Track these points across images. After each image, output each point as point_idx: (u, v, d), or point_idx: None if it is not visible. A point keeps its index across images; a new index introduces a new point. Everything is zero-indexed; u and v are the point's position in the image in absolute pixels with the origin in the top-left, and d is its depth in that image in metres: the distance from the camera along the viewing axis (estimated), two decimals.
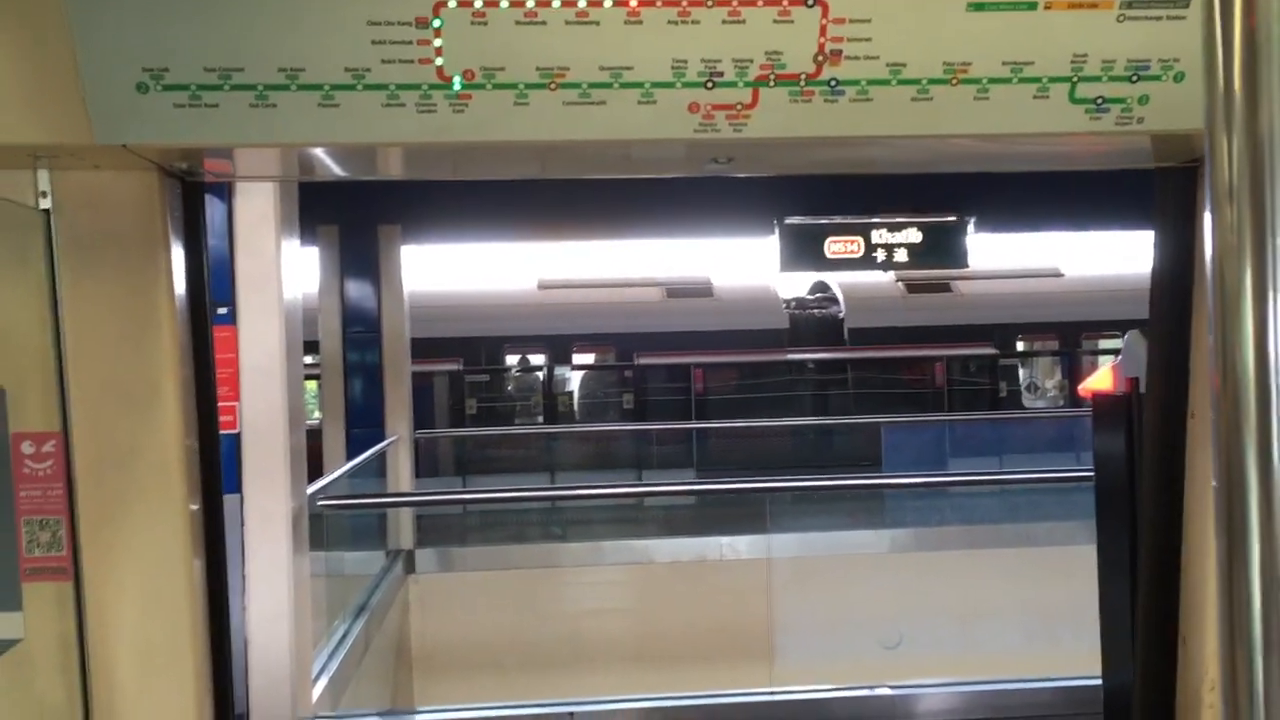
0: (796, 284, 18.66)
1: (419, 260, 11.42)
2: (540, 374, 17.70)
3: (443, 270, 16.31)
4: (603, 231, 10.69)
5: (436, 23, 1.45)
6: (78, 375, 1.72)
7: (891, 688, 5.21)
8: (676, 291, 17.78)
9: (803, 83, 1.52)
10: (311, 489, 5.46)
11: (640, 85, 1.51)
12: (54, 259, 1.69)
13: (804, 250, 9.80)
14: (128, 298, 1.73)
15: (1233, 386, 0.76)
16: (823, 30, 1.50)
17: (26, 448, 1.70)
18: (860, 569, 8.93)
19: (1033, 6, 1.51)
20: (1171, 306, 1.90)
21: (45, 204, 1.68)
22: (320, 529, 6.16)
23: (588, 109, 1.51)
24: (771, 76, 1.52)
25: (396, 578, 8.84)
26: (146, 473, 1.77)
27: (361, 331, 9.42)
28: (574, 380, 17.83)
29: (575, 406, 17.61)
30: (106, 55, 1.43)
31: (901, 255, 10.07)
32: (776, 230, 9.54)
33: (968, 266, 9.92)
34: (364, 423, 9.24)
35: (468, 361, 17.06)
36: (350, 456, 8.65)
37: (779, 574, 8.06)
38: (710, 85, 1.51)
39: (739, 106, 1.53)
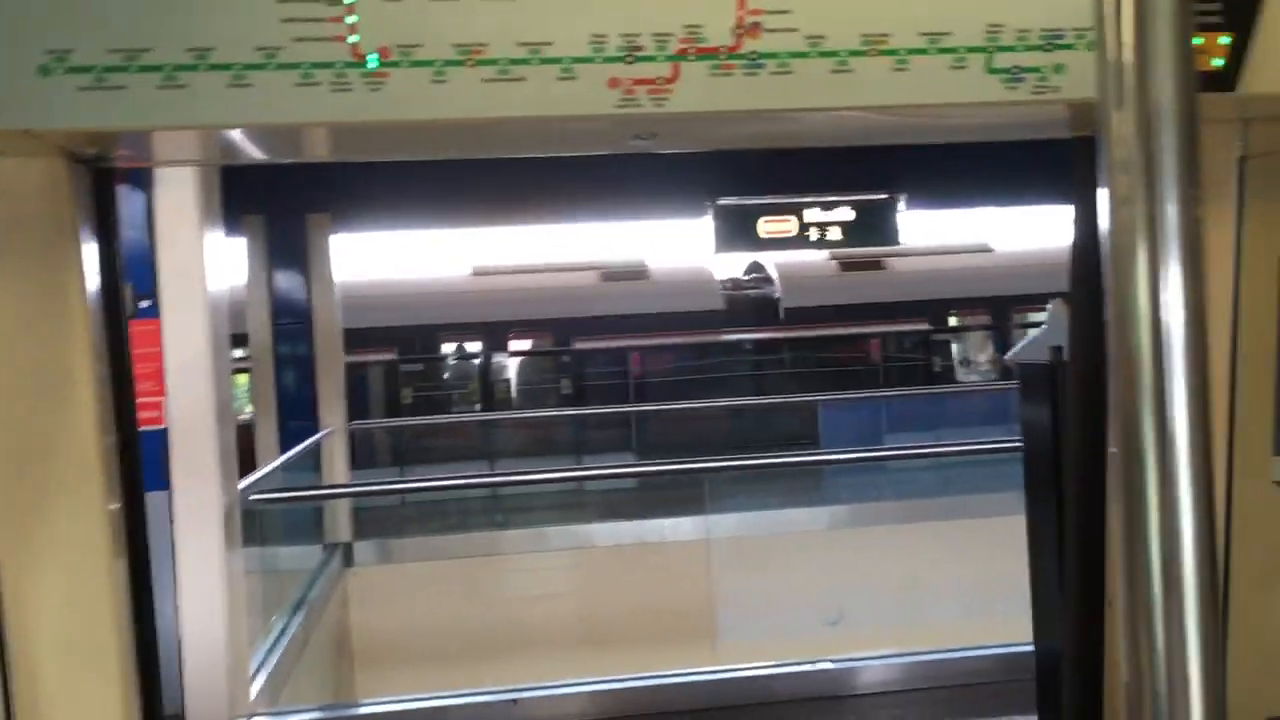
0: (733, 266, 18.74)
1: (353, 249, 11.29)
2: (477, 361, 17.61)
3: (377, 259, 16.14)
4: (536, 215, 10.63)
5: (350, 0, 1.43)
6: None
7: (832, 661, 5.27)
8: (613, 275, 17.78)
9: (723, 56, 1.52)
10: (244, 484, 5.39)
11: (559, 61, 1.49)
12: None
13: (737, 231, 9.83)
14: (38, 289, 1.68)
15: (1128, 354, 0.78)
16: (741, 3, 1.50)
17: None
18: (800, 547, 9.02)
19: None
20: (1088, 275, 1.93)
21: None
22: (255, 524, 6.07)
23: (507, 86, 1.49)
24: (691, 50, 1.51)
25: (335, 571, 8.75)
26: (64, 468, 1.72)
27: (292, 323, 9.27)
28: (511, 367, 17.77)
29: (513, 393, 17.56)
30: (6, 37, 1.38)
31: (835, 234, 10.14)
32: (710, 211, 9.56)
33: (900, 244, 10.02)
34: (297, 415, 9.11)
35: (403, 351, 16.92)
36: (284, 450, 8.53)
37: (719, 554, 8.12)
38: (630, 60, 1.50)
39: (659, 80, 1.52)
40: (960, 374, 17.54)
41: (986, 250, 18.03)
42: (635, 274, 17.83)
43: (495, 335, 17.36)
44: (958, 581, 7.93)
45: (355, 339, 11.22)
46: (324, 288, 9.42)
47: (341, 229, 9.68)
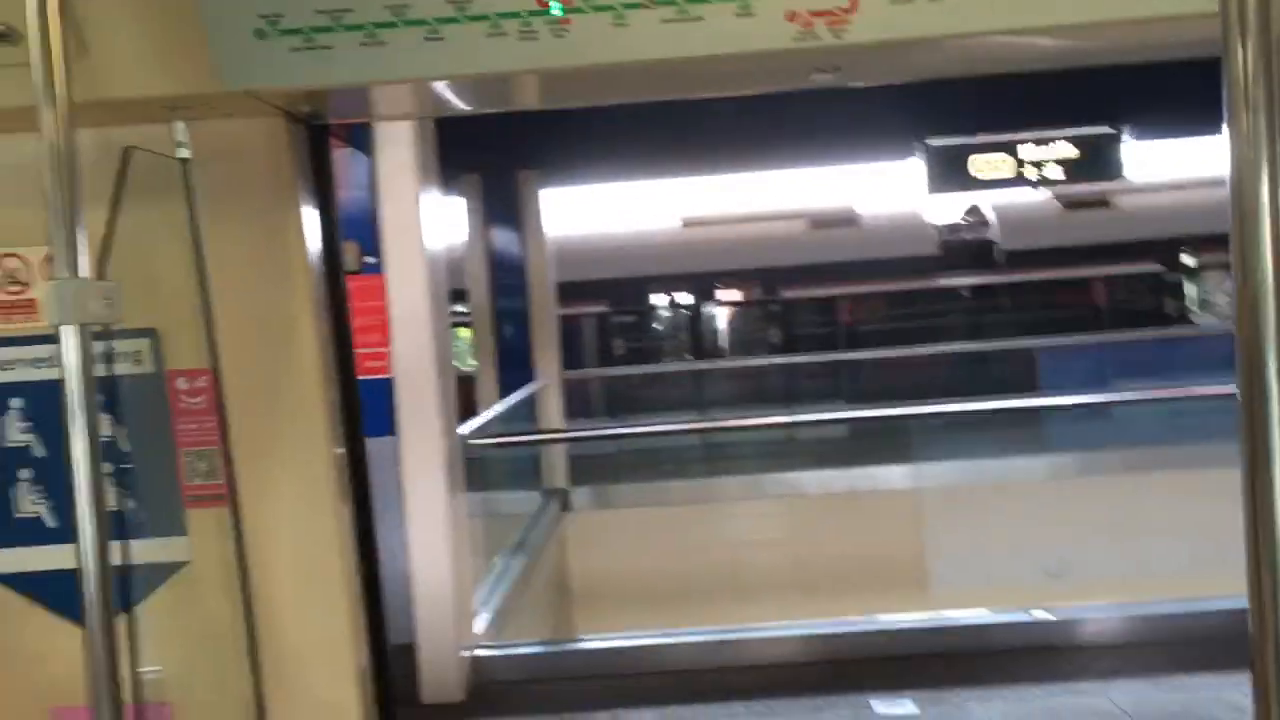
0: (949, 209, 18.13)
1: (566, 205, 11.57)
2: (687, 312, 17.77)
3: (587, 213, 16.44)
4: (742, 163, 10.61)
5: None
6: (223, 315, 1.83)
7: (1050, 612, 5.12)
8: (822, 222, 17.53)
9: None
10: (464, 430, 5.65)
11: None
12: (193, 206, 1.80)
13: (949, 171, 9.54)
14: (263, 240, 1.83)
15: (1251, 297, 0.74)
16: None
17: (181, 384, 1.83)
18: (1018, 496, 8.74)
19: None
20: None
21: (184, 153, 1.78)
22: (477, 469, 6.38)
23: (686, 25, 1.52)
24: None
25: (553, 516, 9.10)
26: (291, 412, 1.88)
27: (508, 278, 9.62)
28: (720, 317, 17.85)
29: (723, 343, 17.65)
30: (225, 5, 1.51)
31: (1053, 171, 9.69)
32: (919, 152, 9.30)
33: (1124, 179, 9.47)
34: (514, 366, 9.47)
35: (614, 303, 17.25)
36: (502, 399, 8.90)
37: (932, 503, 7.97)
38: None
39: (838, 11, 1.51)
40: (1196, 317, 16.46)
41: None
42: (845, 220, 17.52)
43: (704, 286, 17.44)
44: (1189, 534, 7.51)
45: (568, 292, 11.52)
46: (537, 242, 9.72)
47: (551, 183, 9.94)
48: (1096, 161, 9.30)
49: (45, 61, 1.41)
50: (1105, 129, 9.17)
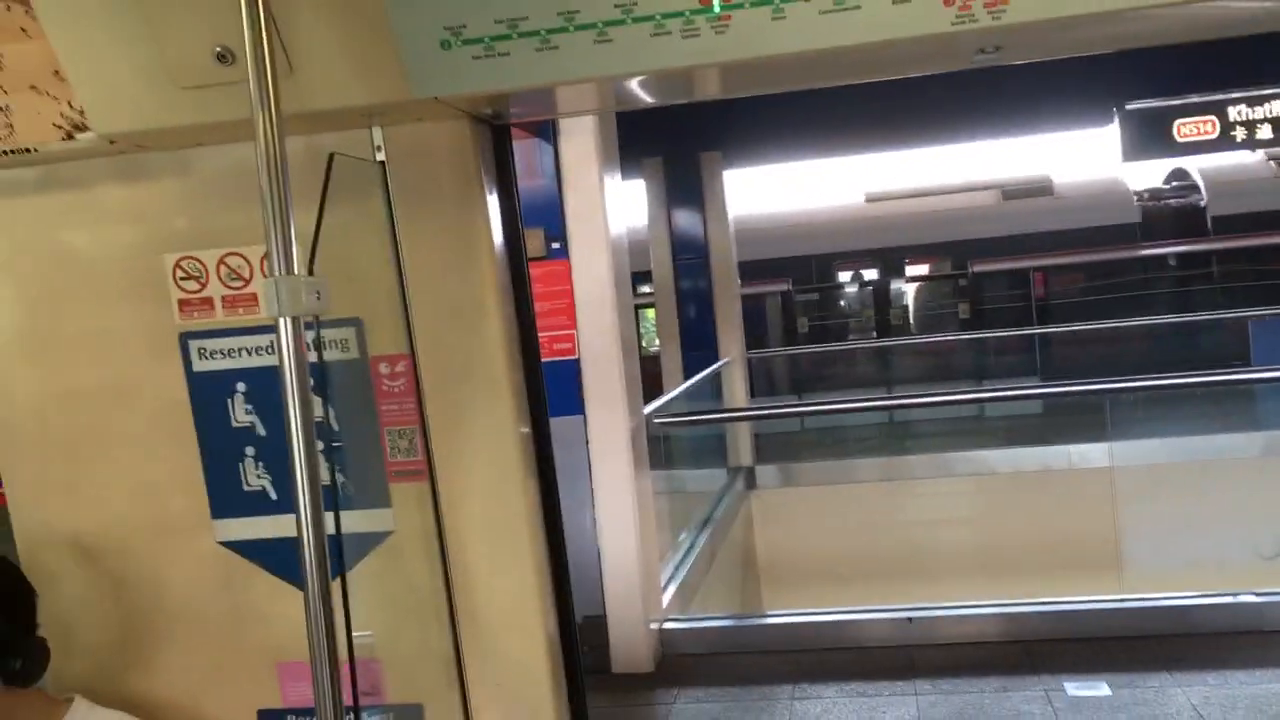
0: (1149, 174, 17.25)
1: (745, 184, 11.60)
2: (871, 289, 17.52)
3: (768, 192, 16.40)
4: (928, 137, 10.39)
5: None
6: (418, 304, 1.98)
7: (1257, 594, 4.90)
8: (1014, 193, 16.98)
9: None
10: (649, 409, 5.80)
11: None
12: (390, 203, 1.96)
13: (1149, 136, 9.12)
14: (452, 233, 1.97)
15: None
16: None
17: (383, 368, 1.99)
18: (1227, 474, 8.31)
19: None
20: None
21: (380, 156, 1.94)
22: (662, 448, 6.52)
23: (843, 15, 1.56)
24: None
25: (739, 493, 9.19)
26: (482, 387, 2.02)
27: (690, 258, 9.74)
28: (907, 293, 17.53)
29: (910, 319, 17.33)
30: (414, 20, 1.64)
31: (1265, 131, 9.14)
32: (1116, 118, 8.92)
33: None
34: (698, 346, 9.59)
35: (797, 281, 17.15)
36: (687, 379, 9.03)
37: (1133, 482, 7.65)
38: None
39: None
40: None
41: None
42: (1040, 190, 16.91)
43: (891, 262, 17.16)
44: None
45: (751, 271, 11.52)
46: (719, 223, 9.80)
47: (733, 164, 9.99)
48: None
49: (259, 78, 1.57)
50: None
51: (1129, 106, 8.93)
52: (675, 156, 9.59)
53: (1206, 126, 9.14)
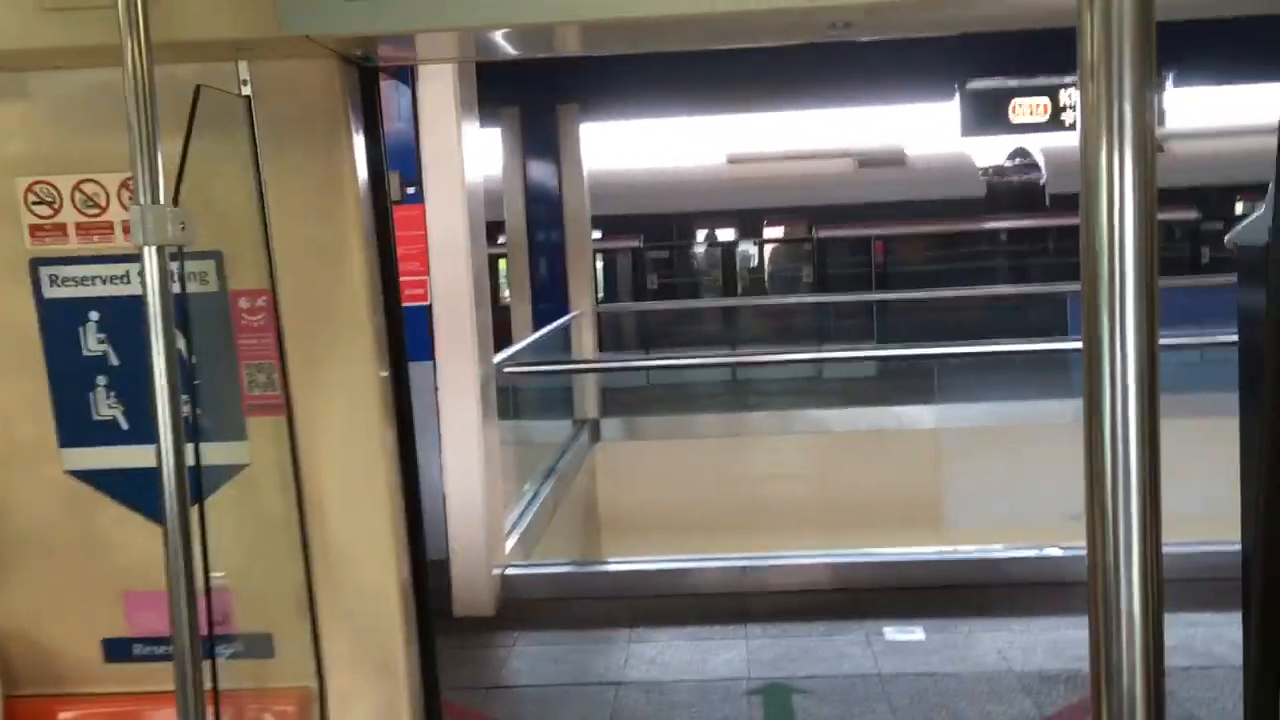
0: (995, 151, 17.97)
1: (608, 137, 11.62)
2: (721, 250, 17.85)
3: (632, 147, 16.46)
4: (782, 102, 10.62)
5: None
6: (280, 241, 1.99)
7: (1061, 549, 5.28)
8: (869, 161, 17.48)
9: None
10: (499, 358, 5.84)
11: None
12: (254, 139, 1.96)
13: (987, 115, 9.51)
14: (317, 172, 1.99)
15: (1090, 251, 0.87)
16: None
17: (243, 303, 2.00)
18: (1041, 439, 8.85)
19: None
20: None
21: (246, 91, 1.94)
22: (511, 398, 6.57)
23: None
24: None
25: (583, 445, 9.32)
26: (341, 334, 2.05)
27: (544, 210, 9.75)
28: (754, 255, 17.93)
29: (766, 281, 17.77)
30: None
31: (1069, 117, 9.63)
32: (957, 95, 9.28)
33: (1164, 125, 9.42)
34: (549, 299, 9.63)
35: (649, 238, 17.34)
36: (536, 330, 9.07)
37: (956, 444, 8.09)
38: None
39: None
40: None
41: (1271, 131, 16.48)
42: (892, 160, 17.45)
43: (743, 223, 17.51)
44: (1212, 479, 7.59)
45: (603, 226, 11.56)
46: (574, 177, 9.83)
47: (591, 118, 10.02)
48: None
49: (129, 4, 1.56)
50: None
51: (969, 85, 9.29)
52: (532, 107, 9.55)
53: (1039, 108, 9.59)
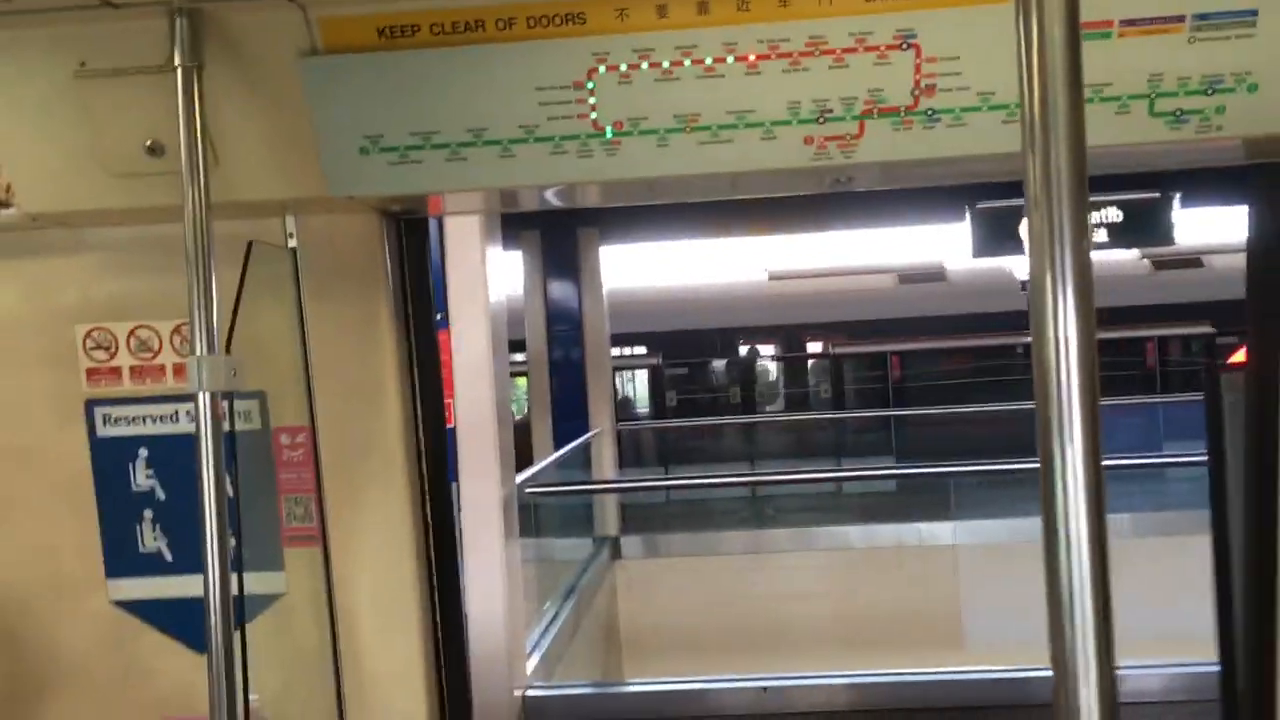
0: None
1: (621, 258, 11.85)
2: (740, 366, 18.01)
3: (643, 266, 16.77)
4: (794, 226, 10.89)
5: (590, 85, 1.76)
6: (321, 381, 2.12)
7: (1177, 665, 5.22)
8: (910, 277, 17.65)
9: (903, 114, 1.75)
10: (521, 478, 5.92)
11: (762, 124, 1.77)
12: (299, 286, 2.10)
13: (997, 234, 9.70)
14: (357, 316, 2.13)
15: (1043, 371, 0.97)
16: (917, 69, 1.73)
17: (284, 439, 2.13)
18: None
19: (1108, 35, 1.69)
20: (1266, 285, 2.04)
21: (292, 243, 2.09)
22: (531, 517, 6.63)
23: (718, 147, 1.79)
24: (875, 110, 1.76)
25: (604, 563, 9.32)
26: (379, 461, 2.16)
27: (564, 329, 9.94)
28: (773, 371, 18.08)
29: (775, 396, 17.85)
30: (336, 128, 1.81)
31: (1102, 235, 9.84)
32: (968, 214, 9.50)
33: (1174, 243, 9.59)
34: (569, 416, 9.75)
35: (669, 355, 17.53)
36: (557, 449, 9.16)
37: (975, 560, 8.06)
38: (822, 120, 1.76)
39: (848, 137, 1.78)
40: None
41: None
42: (934, 275, 17.57)
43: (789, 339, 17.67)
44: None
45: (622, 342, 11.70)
46: (594, 297, 10.04)
47: (610, 241, 10.28)
48: (1144, 225, 9.43)
49: (191, 172, 1.72)
50: (1154, 194, 9.31)
51: (979, 205, 9.50)
52: (553, 230, 9.83)
53: None
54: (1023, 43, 1.00)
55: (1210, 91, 1.72)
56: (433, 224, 5.39)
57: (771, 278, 18.06)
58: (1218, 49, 1.69)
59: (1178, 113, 1.74)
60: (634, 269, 15.63)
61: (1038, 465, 0.95)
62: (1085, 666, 0.95)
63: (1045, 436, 0.97)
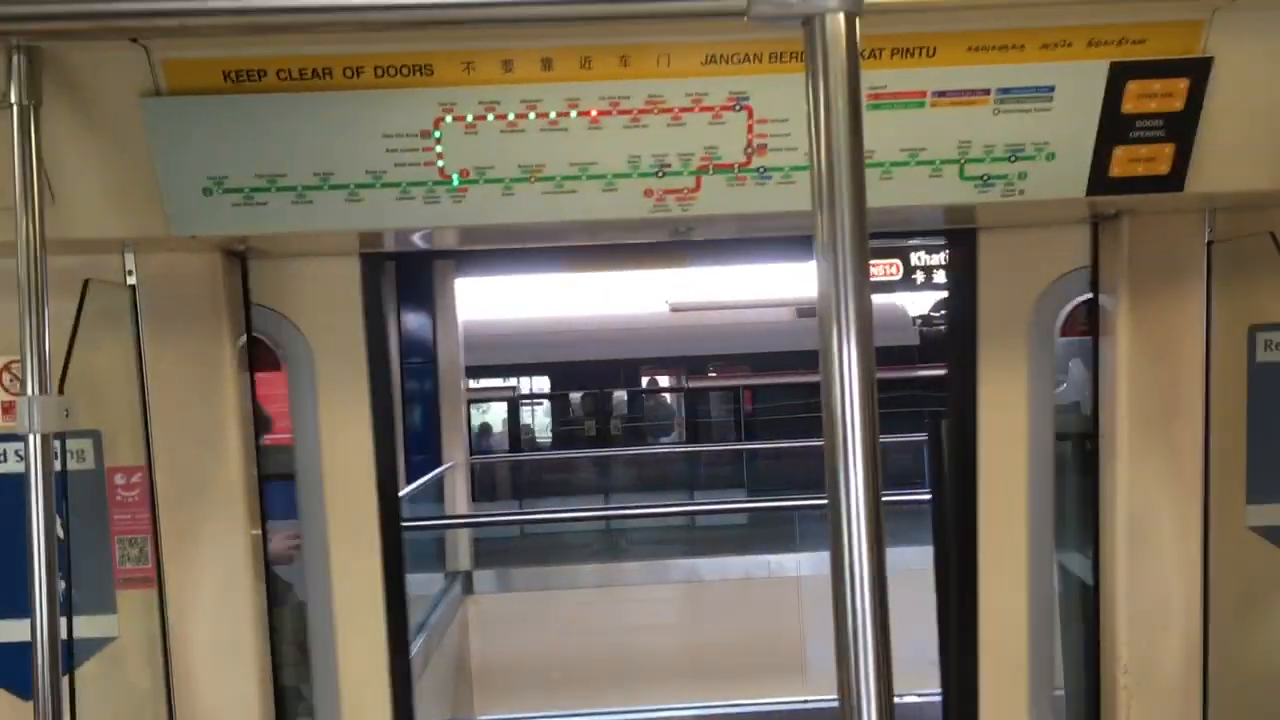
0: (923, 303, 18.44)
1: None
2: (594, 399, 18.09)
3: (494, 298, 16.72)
4: (647, 263, 11.01)
5: (437, 134, 1.80)
6: (159, 419, 2.09)
7: (917, 695, 5.43)
8: (806, 311, 17.96)
9: (736, 170, 1.85)
10: None
11: (604, 176, 1.85)
12: (138, 324, 2.08)
13: None
14: (200, 353, 2.11)
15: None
16: (750, 129, 1.83)
17: (118, 479, 2.09)
18: (907, 585, 9.09)
19: (921, 104, 1.82)
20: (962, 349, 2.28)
21: (131, 280, 2.07)
22: None
23: (561, 196, 1.86)
24: (711, 166, 1.85)
25: (455, 598, 9.22)
26: (215, 500, 2.14)
27: (418, 361, 9.83)
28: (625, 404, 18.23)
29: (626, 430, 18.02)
30: (179, 168, 1.81)
31: (941, 276, 10.32)
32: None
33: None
34: (421, 449, 9.64)
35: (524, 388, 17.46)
36: (409, 483, 9.05)
37: (818, 591, 8.26)
38: (661, 174, 1.85)
39: (685, 190, 1.86)
40: None
41: None
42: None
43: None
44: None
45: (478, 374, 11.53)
46: (448, 329, 9.98)
47: (466, 274, 10.23)
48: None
49: (26, 206, 1.69)
50: None
51: None
52: (407, 261, 9.72)
53: (893, 268, 10.20)
54: (811, 110, 1.09)
55: (1013, 158, 1.87)
56: None
57: (673, 309, 18.24)
58: (1019, 120, 1.84)
59: (985, 177, 1.88)
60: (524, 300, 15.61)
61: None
62: (867, 688, 1.04)
63: (831, 463, 1.06)
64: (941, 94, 1.82)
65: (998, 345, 2.32)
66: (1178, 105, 1.83)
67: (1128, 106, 1.82)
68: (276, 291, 2.24)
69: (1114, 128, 1.84)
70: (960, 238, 2.30)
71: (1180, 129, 1.85)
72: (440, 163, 1.83)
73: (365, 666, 2.32)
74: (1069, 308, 2.35)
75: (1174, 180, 1.88)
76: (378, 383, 2.29)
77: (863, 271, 1.07)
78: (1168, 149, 1.86)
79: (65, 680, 1.83)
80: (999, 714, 2.41)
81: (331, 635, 2.29)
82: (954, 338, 2.37)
